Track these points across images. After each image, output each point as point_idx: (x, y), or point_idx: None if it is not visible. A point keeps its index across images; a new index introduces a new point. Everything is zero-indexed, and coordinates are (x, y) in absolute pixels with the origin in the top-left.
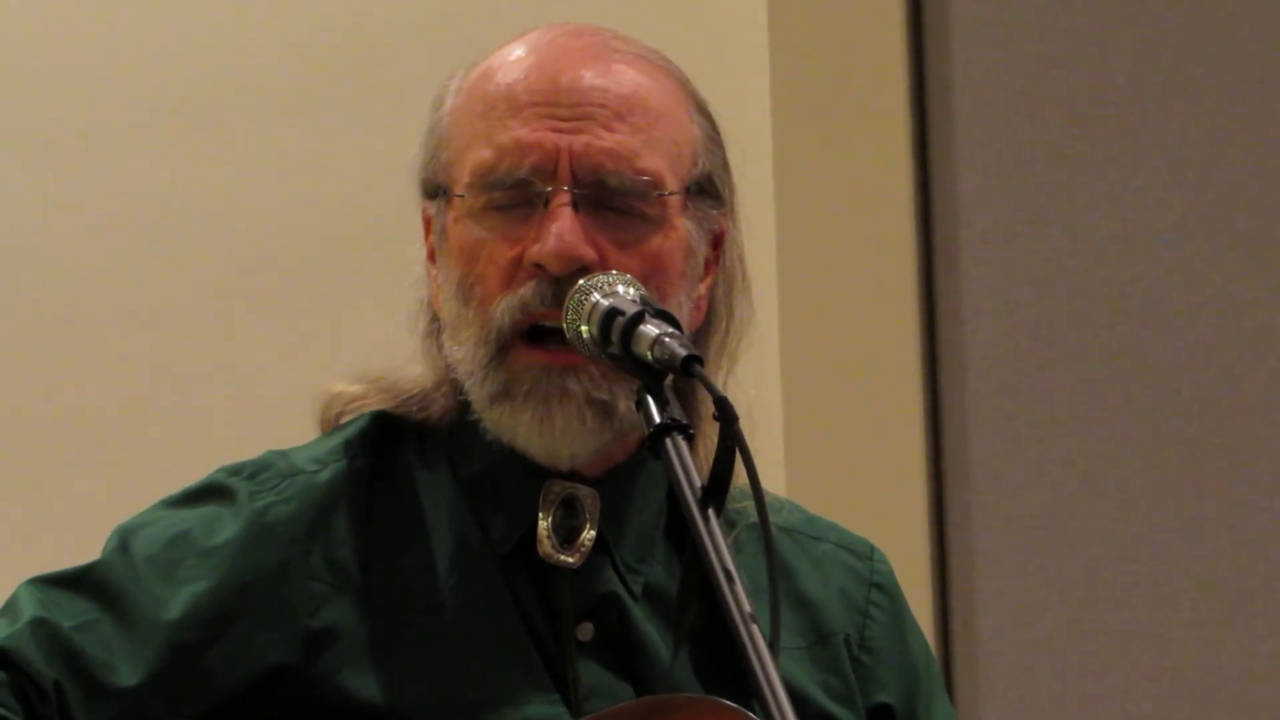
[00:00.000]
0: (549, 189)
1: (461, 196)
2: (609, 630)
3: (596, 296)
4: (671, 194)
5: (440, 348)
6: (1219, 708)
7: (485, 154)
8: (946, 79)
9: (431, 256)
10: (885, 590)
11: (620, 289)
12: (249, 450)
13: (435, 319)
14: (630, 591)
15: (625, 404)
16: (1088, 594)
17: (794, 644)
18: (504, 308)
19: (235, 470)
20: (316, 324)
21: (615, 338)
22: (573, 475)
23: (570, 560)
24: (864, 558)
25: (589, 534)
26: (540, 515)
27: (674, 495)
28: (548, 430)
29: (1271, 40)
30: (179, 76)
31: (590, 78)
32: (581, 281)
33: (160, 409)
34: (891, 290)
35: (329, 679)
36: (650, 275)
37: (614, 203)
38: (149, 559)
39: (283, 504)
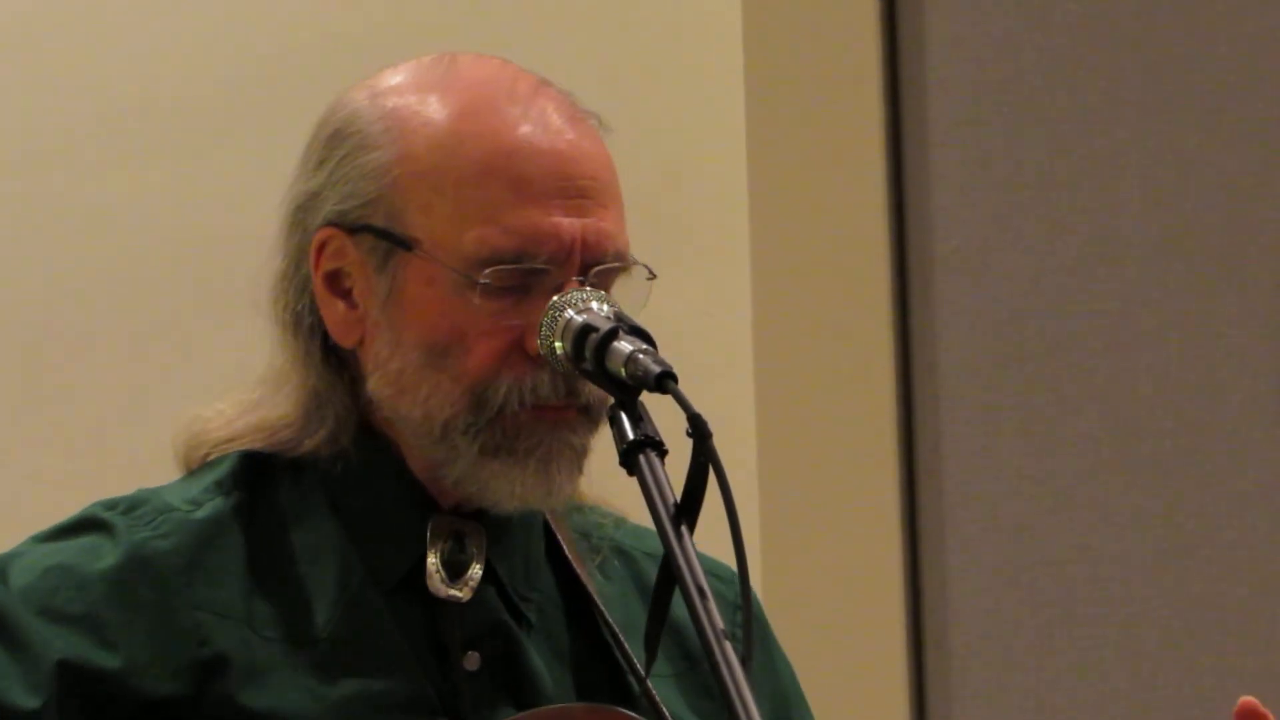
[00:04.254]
0: (561, 280)
1: (457, 270)
2: (496, 659)
3: (570, 313)
4: (633, 265)
5: (338, 379)
6: None
7: (497, 238)
8: (921, 96)
9: (330, 285)
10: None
11: (594, 305)
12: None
13: (327, 347)
14: (525, 619)
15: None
16: (1062, 610)
17: (664, 671)
18: (509, 390)
19: (109, 505)
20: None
21: (589, 354)
22: (457, 510)
23: (459, 594)
24: (728, 582)
25: (476, 569)
26: (429, 551)
27: (547, 523)
28: (545, 487)
29: (1245, 57)
30: (132, 95)
31: (578, 142)
32: (555, 298)
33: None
34: (865, 306)
35: (221, 707)
36: None
37: (603, 284)
38: (26, 589)
39: (160, 539)
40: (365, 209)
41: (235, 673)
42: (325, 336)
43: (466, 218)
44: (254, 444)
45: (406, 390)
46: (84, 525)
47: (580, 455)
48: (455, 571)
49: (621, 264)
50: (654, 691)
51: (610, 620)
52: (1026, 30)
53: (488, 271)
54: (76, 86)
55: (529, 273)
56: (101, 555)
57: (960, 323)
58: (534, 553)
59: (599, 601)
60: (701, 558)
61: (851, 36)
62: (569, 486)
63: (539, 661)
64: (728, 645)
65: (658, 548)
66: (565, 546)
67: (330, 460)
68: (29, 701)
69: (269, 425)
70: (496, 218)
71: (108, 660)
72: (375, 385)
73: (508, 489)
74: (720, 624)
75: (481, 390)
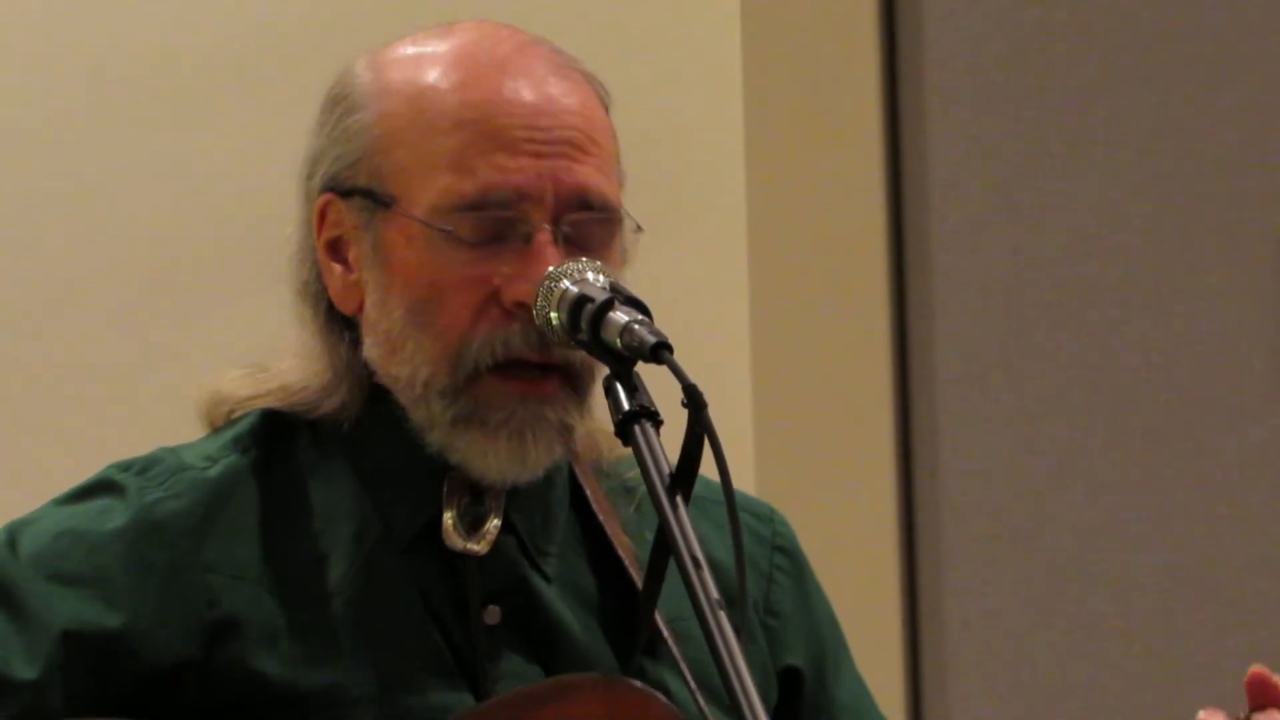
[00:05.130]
0: (531, 227)
1: (426, 223)
2: (517, 613)
3: (566, 283)
4: (623, 219)
5: (344, 345)
6: (1185, 697)
7: (462, 183)
8: (918, 69)
9: (331, 252)
10: (787, 553)
11: (590, 276)
12: (149, 444)
13: (332, 313)
14: (542, 574)
15: (580, 423)
16: (1055, 583)
17: None
18: (482, 345)
19: (125, 466)
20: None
21: (584, 324)
22: None
23: (477, 548)
24: (764, 520)
25: (494, 522)
26: (445, 505)
27: (574, 474)
28: (519, 460)
29: (1242, 30)
30: (100, 69)
31: (558, 95)
32: (551, 269)
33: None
34: (862, 279)
35: (232, 669)
36: None
37: (582, 235)
38: (36, 555)
39: (172, 499)
40: (352, 170)
41: (245, 635)
42: (332, 304)
43: (436, 168)
44: (275, 402)
45: (395, 351)
46: (97, 488)
47: (561, 429)
48: (472, 525)
49: (602, 214)
50: (668, 641)
51: (633, 570)
52: (1024, 4)
53: (453, 218)
54: (86, 54)
55: (498, 221)
56: (112, 518)
57: (957, 297)
58: (554, 505)
59: (620, 550)
60: (739, 495)
61: (849, 11)
62: (547, 459)
63: (562, 613)
64: (722, 615)
65: (698, 489)
66: (591, 497)
67: (350, 421)
68: (27, 673)
69: (289, 389)
70: (463, 165)
71: (115, 621)
72: (370, 349)
73: (482, 461)
74: (715, 594)
75: (458, 348)
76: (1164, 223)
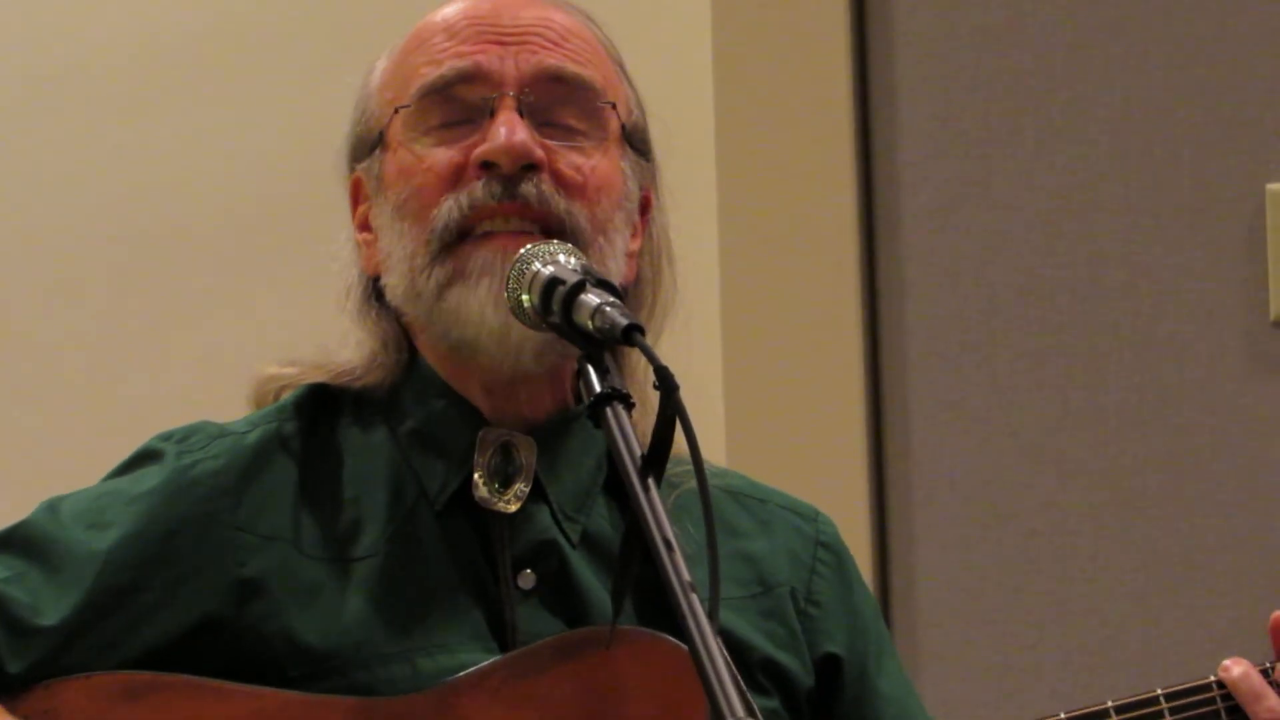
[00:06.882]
0: (494, 95)
1: (406, 107)
2: (550, 578)
3: (538, 265)
4: (613, 105)
5: (375, 310)
6: (1156, 678)
7: (427, 72)
8: (889, 50)
9: (362, 225)
10: (831, 549)
11: (561, 258)
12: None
13: (367, 287)
14: (568, 539)
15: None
16: (1027, 564)
17: (738, 593)
18: (449, 205)
19: (165, 436)
20: (241, 304)
21: (556, 306)
22: (510, 424)
23: (506, 506)
24: (809, 519)
25: (520, 486)
26: (477, 461)
27: (611, 453)
28: (503, 302)
29: (1213, 16)
30: (103, 46)
31: (531, 13)
32: (523, 250)
33: (78, 390)
34: (833, 261)
35: (260, 627)
36: (592, 192)
37: (556, 114)
38: (76, 513)
39: (209, 460)
40: (359, 130)
41: (275, 595)
42: (373, 284)
43: (408, 79)
44: (322, 377)
45: (394, 266)
46: (138, 459)
47: None
48: (503, 485)
49: (576, 88)
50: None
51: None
52: None
53: (419, 101)
54: (108, 23)
55: (464, 104)
56: (149, 478)
57: (927, 277)
58: (587, 479)
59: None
60: (782, 495)
61: None
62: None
63: (593, 584)
64: (694, 598)
65: (732, 483)
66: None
67: (390, 389)
68: (50, 619)
69: (335, 365)
70: (432, 61)
71: (149, 563)
72: (388, 290)
73: (470, 316)
74: (687, 576)
75: (430, 219)
76: (1135, 205)
